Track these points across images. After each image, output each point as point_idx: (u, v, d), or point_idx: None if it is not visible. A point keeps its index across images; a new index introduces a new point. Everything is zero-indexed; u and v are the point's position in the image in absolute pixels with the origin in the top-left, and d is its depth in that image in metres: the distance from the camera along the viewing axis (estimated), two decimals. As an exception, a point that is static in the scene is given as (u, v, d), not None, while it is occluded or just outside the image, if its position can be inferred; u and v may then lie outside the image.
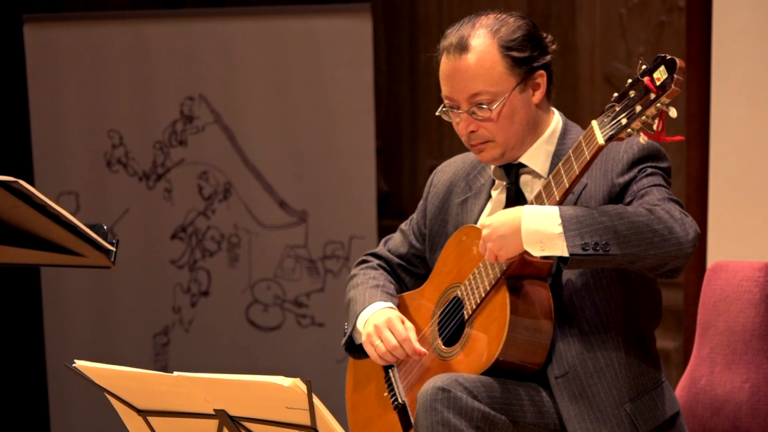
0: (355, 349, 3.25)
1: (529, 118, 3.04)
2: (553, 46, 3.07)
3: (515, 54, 2.99)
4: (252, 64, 5.88)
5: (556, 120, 3.10)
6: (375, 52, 5.83)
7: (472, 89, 2.99)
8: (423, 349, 3.05)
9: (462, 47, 3.00)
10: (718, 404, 3.30)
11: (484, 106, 2.99)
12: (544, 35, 3.06)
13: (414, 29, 5.95)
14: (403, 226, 3.35)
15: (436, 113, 3.08)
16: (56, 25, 6.05)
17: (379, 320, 3.09)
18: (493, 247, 2.87)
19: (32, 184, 2.69)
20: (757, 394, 3.24)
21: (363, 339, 3.12)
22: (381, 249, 3.37)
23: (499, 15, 3.04)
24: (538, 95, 3.04)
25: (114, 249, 2.84)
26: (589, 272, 2.95)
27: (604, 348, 2.94)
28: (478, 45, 2.99)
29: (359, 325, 3.16)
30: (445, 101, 3.06)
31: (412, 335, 3.07)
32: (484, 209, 3.13)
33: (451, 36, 3.04)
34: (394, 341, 3.05)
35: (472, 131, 3.03)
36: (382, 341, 3.06)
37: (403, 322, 3.08)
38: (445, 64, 3.04)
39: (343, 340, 3.24)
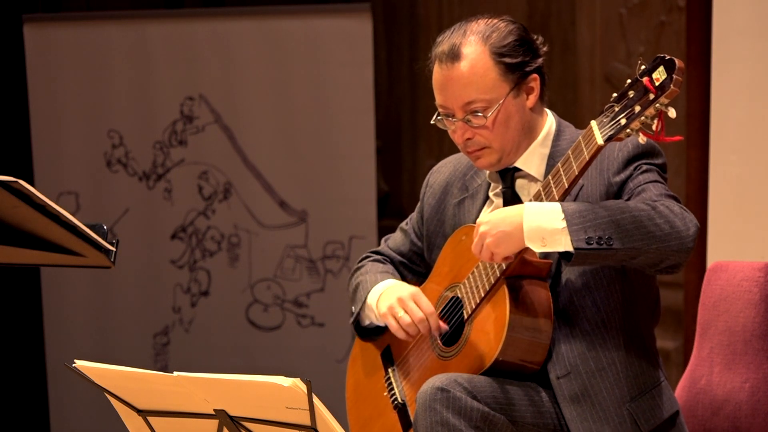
0: (362, 332, 3.25)
1: (524, 123, 3.03)
2: (545, 49, 3.06)
3: (507, 60, 2.98)
4: (252, 64, 5.89)
5: (549, 122, 3.09)
6: (375, 52, 5.83)
7: (467, 97, 2.98)
8: (445, 326, 3.05)
9: (454, 55, 2.99)
10: (718, 404, 3.30)
11: (479, 114, 2.99)
12: (535, 38, 3.06)
13: (414, 29, 5.95)
14: (403, 225, 3.36)
15: (431, 122, 3.07)
16: (56, 25, 6.05)
17: (403, 293, 3.08)
18: (491, 243, 2.86)
19: (32, 184, 2.69)
20: (757, 394, 3.24)
21: (383, 311, 3.09)
22: (383, 247, 3.37)
23: (489, 20, 3.03)
24: (531, 99, 3.03)
25: (114, 249, 2.83)
26: (589, 272, 2.95)
27: (605, 347, 2.94)
28: (471, 53, 2.98)
29: (371, 299, 3.16)
30: (440, 109, 3.05)
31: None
32: (481, 210, 3.13)
33: (443, 44, 3.02)
34: (420, 314, 3.03)
35: (468, 138, 3.02)
36: (407, 312, 3.05)
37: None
38: (438, 73, 3.02)
39: (352, 318, 3.23)
